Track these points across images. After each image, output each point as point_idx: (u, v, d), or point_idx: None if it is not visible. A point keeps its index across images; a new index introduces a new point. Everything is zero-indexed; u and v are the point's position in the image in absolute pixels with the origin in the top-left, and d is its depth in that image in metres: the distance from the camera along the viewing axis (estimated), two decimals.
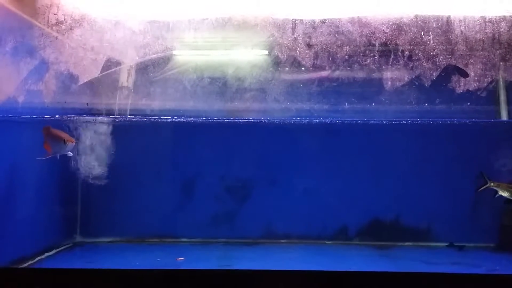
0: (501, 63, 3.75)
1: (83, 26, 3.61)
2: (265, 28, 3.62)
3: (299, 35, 3.62)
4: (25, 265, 3.58)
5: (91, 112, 4.03)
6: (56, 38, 3.63)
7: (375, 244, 4.35)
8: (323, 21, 3.60)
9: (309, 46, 3.64)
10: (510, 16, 3.58)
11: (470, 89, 3.74)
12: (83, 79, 3.75)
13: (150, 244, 4.36)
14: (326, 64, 3.72)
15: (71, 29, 3.60)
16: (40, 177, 3.94)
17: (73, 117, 3.92)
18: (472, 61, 3.66)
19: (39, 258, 3.80)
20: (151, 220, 4.43)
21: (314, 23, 3.61)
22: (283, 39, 3.64)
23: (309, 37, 3.63)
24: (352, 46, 3.64)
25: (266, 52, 3.88)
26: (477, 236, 4.32)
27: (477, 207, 4.37)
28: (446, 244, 4.36)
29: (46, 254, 3.92)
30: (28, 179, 3.80)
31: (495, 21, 3.59)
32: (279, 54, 3.71)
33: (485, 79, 3.70)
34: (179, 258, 3.83)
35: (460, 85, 3.73)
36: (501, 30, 3.59)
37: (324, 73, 3.81)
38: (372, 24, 3.57)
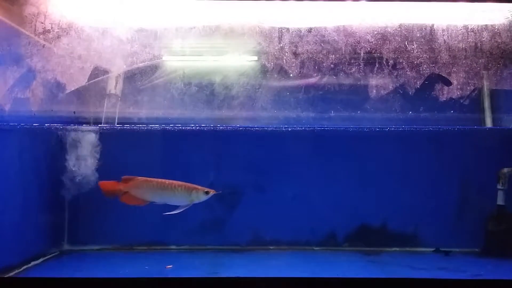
0: (484, 72, 3.83)
1: (70, 34, 3.61)
2: (252, 37, 3.67)
3: (285, 44, 3.67)
4: (11, 274, 3.54)
5: (78, 120, 4.02)
6: (43, 46, 3.63)
7: (363, 250, 4.38)
8: (309, 30, 3.65)
9: (295, 54, 3.69)
10: (491, 25, 3.66)
11: (453, 97, 3.81)
12: (70, 88, 3.75)
13: (138, 252, 4.35)
14: (312, 73, 3.77)
15: (58, 37, 3.61)
16: (26, 184, 3.91)
17: (60, 125, 3.91)
18: (455, 69, 3.73)
19: (25, 267, 3.76)
20: (140, 228, 4.42)
21: (300, 32, 3.66)
22: (270, 48, 3.69)
23: (296, 46, 3.68)
24: (337, 55, 3.69)
25: (253, 60, 3.92)
26: (463, 241, 4.38)
27: (463, 213, 4.43)
28: (433, 249, 4.41)
29: (33, 263, 3.88)
30: (15, 187, 3.77)
31: (477, 30, 3.67)
32: (266, 63, 3.76)
33: (468, 87, 3.78)
34: (168, 266, 3.82)
35: (444, 93, 3.80)
36: (483, 39, 3.67)
37: (310, 81, 3.86)
38: (357, 33, 3.64)
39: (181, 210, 3.38)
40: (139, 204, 3.39)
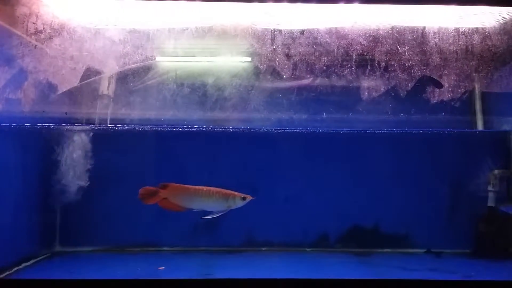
0: (475, 74, 3.86)
1: (62, 35, 3.60)
2: (245, 38, 3.68)
3: (278, 45, 3.68)
4: (2, 276, 3.53)
5: (70, 121, 4.01)
6: (35, 47, 3.62)
7: (355, 251, 4.41)
8: (302, 32, 3.67)
9: (288, 56, 3.70)
10: (482, 28, 3.70)
11: (445, 99, 3.84)
12: (62, 88, 3.73)
13: (131, 253, 4.34)
14: (305, 75, 3.79)
15: (50, 38, 3.60)
16: (17, 185, 3.89)
17: (52, 126, 3.90)
18: (446, 72, 3.76)
19: (16, 268, 3.75)
20: (132, 229, 4.41)
21: (293, 34, 3.68)
22: (263, 50, 3.70)
23: (288, 48, 3.69)
24: (330, 57, 3.71)
25: (246, 62, 3.93)
26: (454, 243, 4.41)
27: (454, 214, 4.46)
28: (424, 250, 4.44)
29: (24, 264, 3.87)
30: (5, 188, 3.75)
31: (468, 33, 3.70)
32: (259, 64, 3.77)
33: (459, 90, 3.80)
34: (160, 268, 3.82)
35: (435, 96, 3.83)
36: (474, 42, 3.70)
37: (303, 83, 3.87)
38: (349, 35, 3.66)
39: (217, 215, 3.44)
40: (177, 210, 3.45)
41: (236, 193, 3.45)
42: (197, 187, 3.45)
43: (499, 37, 3.69)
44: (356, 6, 3.55)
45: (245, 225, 4.47)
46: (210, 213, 3.47)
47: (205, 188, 3.44)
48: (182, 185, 3.46)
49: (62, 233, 4.41)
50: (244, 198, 3.44)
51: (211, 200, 3.41)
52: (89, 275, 3.69)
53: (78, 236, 4.41)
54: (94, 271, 3.84)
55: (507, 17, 3.68)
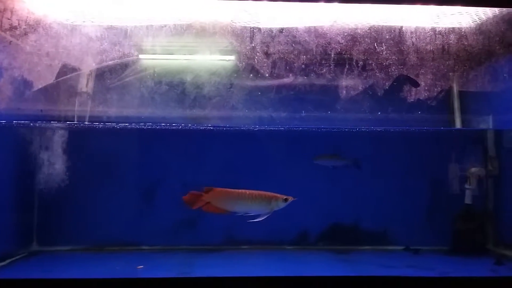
0: (453, 74, 3.91)
1: (38, 31, 3.55)
2: (224, 36, 3.67)
3: (257, 43, 3.68)
4: None
5: (46, 118, 3.95)
6: (10, 43, 3.56)
7: (335, 248, 4.43)
8: (281, 31, 3.68)
9: (267, 54, 3.70)
10: (458, 28, 3.75)
11: (421, 98, 3.88)
12: (38, 85, 3.68)
13: (109, 252, 4.30)
14: (284, 73, 3.79)
15: (25, 34, 3.54)
16: None
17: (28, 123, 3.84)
18: (422, 71, 3.80)
19: None
20: (111, 228, 4.37)
21: (272, 32, 3.68)
22: (242, 48, 3.69)
23: (267, 46, 3.69)
24: (308, 56, 3.72)
25: (225, 60, 3.92)
26: (432, 240, 4.46)
27: (432, 212, 4.52)
28: (402, 247, 4.49)
29: (0, 264, 3.81)
30: None
31: (445, 33, 3.75)
32: (238, 62, 3.76)
33: (435, 89, 3.85)
34: (139, 266, 3.79)
35: (412, 95, 3.87)
36: (450, 41, 3.75)
37: (282, 82, 3.88)
38: (328, 34, 3.67)
39: (263, 218, 3.45)
40: (221, 213, 3.47)
41: (278, 195, 3.48)
42: (240, 190, 3.47)
43: (475, 37, 3.75)
44: (335, 5, 3.57)
45: (225, 223, 4.46)
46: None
47: (248, 191, 3.47)
48: (225, 189, 3.48)
49: (40, 232, 4.35)
50: (286, 200, 3.48)
51: (255, 203, 3.45)
52: (66, 274, 3.65)
53: (56, 235, 4.36)
54: (72, 271, 3.80)
55: (484, 17, 3.73)
